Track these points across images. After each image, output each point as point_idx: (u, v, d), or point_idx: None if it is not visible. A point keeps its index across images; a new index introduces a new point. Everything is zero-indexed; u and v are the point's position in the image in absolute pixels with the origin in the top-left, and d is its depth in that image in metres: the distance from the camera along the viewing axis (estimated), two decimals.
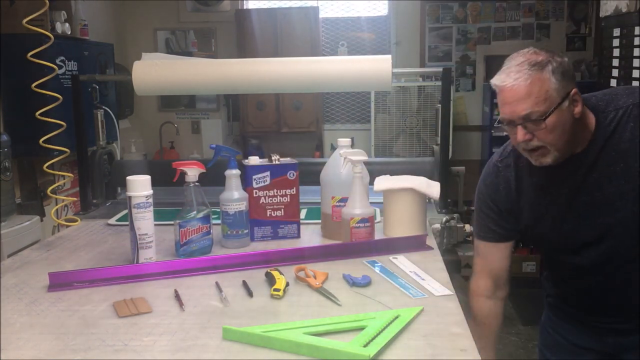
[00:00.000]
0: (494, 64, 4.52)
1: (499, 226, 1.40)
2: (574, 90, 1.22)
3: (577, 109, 1.23)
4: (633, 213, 1.23)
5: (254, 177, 1.53)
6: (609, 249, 1.29)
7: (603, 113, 1.26)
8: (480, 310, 1.45)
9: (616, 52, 2.45)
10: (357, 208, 1.45)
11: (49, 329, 1.05)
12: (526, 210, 1.36)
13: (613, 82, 2.49)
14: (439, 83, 1.97)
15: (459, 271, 2.87)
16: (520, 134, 1.23)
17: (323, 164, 1.60)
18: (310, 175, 1.64)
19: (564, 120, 1.21)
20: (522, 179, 1.36)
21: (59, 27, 3.07)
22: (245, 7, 4.89)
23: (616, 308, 1.36)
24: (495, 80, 1.23)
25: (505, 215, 1.39)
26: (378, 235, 1.52)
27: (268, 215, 1.55)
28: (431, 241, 1.54)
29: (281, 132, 4.72)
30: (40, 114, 1.83)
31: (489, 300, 1.45)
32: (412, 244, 1.48)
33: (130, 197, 1.32)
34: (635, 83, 2.28)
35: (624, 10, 2.37)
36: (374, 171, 1.63)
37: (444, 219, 1.75)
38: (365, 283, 1.23)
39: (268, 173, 1.53)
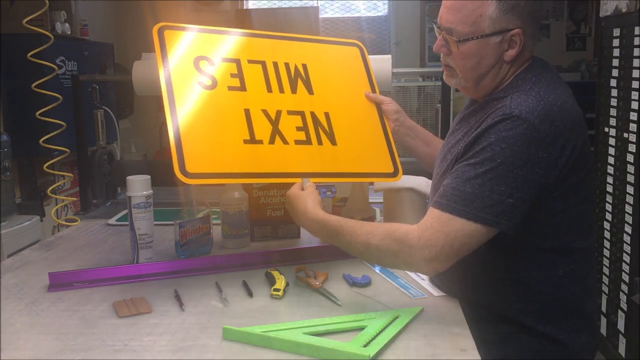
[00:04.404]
0: None
1: None
2: (516, 31, 1.10)
3: (511, 53, 1.12)
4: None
5: None
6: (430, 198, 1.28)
7: (510, 86, 1.15)
8: None
9: (616, 52, 2.45)
10: (357, 208, 1.45)
11: (49, 329, 1.05)
12: None
13: (613, 82, 2.49)
14: (439, 83, 1.97)
15: None
16: (438, 42, 1.19)
17: None
18: None
19: (484, 55, 1.12)
20: None
21: (59, 27, 3.07)
22: (245, 7, 4.89)
23: None
24: None
25: None
26: None
27: (268, 215, 1.55)
28: None
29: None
30: (40, 114, 1.83)
31: None
32: None
33: (130, 197, 1.32)
34: (635, 83, 2.28)
35: (624, 10, 2.37)
36: None
37: None
38: (365, 283, 1.23)
39: None
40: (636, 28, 2.29)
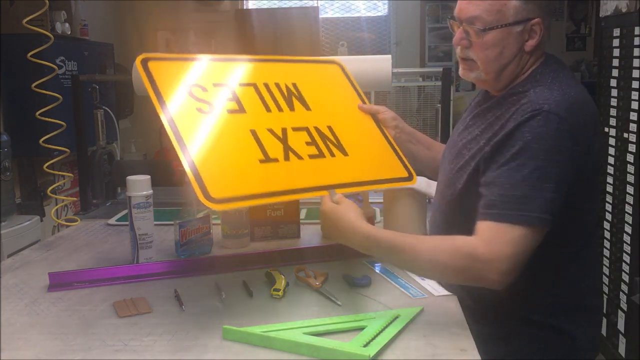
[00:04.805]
0: None
1: None
2: (536, 20, 1.12)
3: (531, 43, 1.13)
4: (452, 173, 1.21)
5: None
6: (437, 189, 1.29)
7: (529, 81, 1.15)
8: None
9: (616, 52, 2.45)
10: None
11: (49, 329, 1.05)
12: None
13: (613, 82, 2.49)
14: (439, 83, 1.97)
15: None
16: (459, 35, 1.16)
17: None
18: None
19: (507, 44, 1.13)
20: None
21: (59, 27, 3.07)
22: (245, 7, 4.89)
23: None
24: None
25: None
26: None
27: (268, 215, 1.55)
28: None
29: None
30: (40, 114, 1.83)
31: None
32: None
33: (130, 197, 1.32)
34: (635, 83, 2.29)
35: (624, 10, 2.37)
36: None
37: None
38: (365, 283, 1.23)
39: None
40: (636, 28, 2.29)
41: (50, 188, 1.96)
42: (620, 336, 2.42)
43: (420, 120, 4.41)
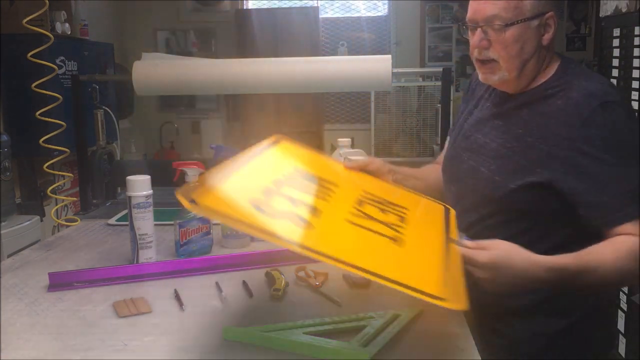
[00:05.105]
0: None
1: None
2: (550, 14, 1.14)
3: (547, 36, 1.15)
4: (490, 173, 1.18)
5: None
6: (458, 193, 1.27)
7: (560, 75, 1.17)
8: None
9: (616, 52, 2.45)
10: None
11: (49, 329, 1.05)
12: (466, 106, 1.36)
13: (613, 82, 2.49)
14: (439, 83, 1.97)
15: None
16: (477, 37, 1.16)
17: None
18: None
19: (527, 39, 1.13)
20: (475, 89, 1.35)
21: (59, 27, 3.07)
22: (245, 7, 4.89)
23: None
24: None
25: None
26: None
27: None
28: None
29: (281, 132, 4.72)
30: (40, 114, 1.83)
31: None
32: None
33: (130, 197, 1.32)
34: (635, 83, 2.29)
35: (624, 10, 2.37)
36: None
37: None
38: (366, 283, 1.23)
39: None
40: (636, 28, 2.29)
41: (50, 188, 1.96)
42: (620, 336, 2.41)
43: (420, 120, 4.41)
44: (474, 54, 1.19)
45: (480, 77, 1.21)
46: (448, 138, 1.41)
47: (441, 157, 1.42)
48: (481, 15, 1.14)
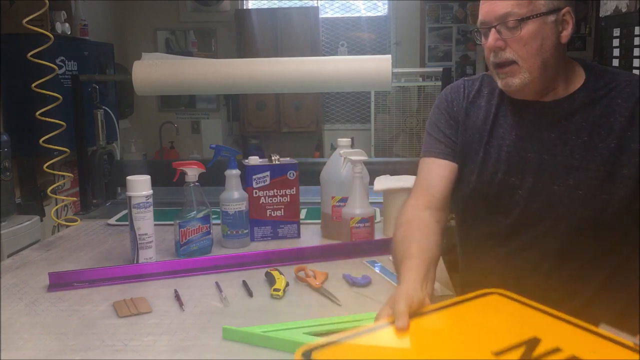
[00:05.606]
0: None
1: (447, 137, 1.26)
2: (566, 9, 1.09)
3: (565, 33, 1.10)
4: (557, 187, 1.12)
5: (254, 177, 1.53)
6: (519, 216, 1.16)
7: (595, 75, 1.14)
8: (415, 216, 1.14)
9: (616, 52, 2.45)
10: (357, 208, 1.45)
11: (49, 329, 1.05)
12: (470, 129, 1.23)
13: None
14: (439, 83, 1.97)
15: (459, 271, 2.87)
16: (493, 37, 1.10)
17: (323, 164, 1.60)
18: (310, 175, 1.64)
19: (544, 36, 1.08)
20: (480, 91, 1.25)
21: (59, 27, 3.07)
22: (245, 7, 4.89)
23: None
24: None
25: (454, 125, 1.27)
26: (378, 235, 1.52)
27: (268, 215, 1.55)
28: None
29: (281, 132, 4.73)
30: (40, 114, 1.83)
31: (426, 211, 1.16)
32: None
33: (130, 197, 1.32)
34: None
35: (624, 10, 2.37)
36: (374, 171, 1.63)
37: None
38: (365, 283, 1.23)
39: (268, 173, 1.54)
40: (636, 28, 2.29)
41: (50, 188, 1.96)
42: None
43: (420, 120, 4.41)
44: (490, 57, 1.13)
45: (500, 83, 1.14)
46: (453, 164, 1.24)
47: (433, 187, 1.21)
48: (494, 15, 1.10)
